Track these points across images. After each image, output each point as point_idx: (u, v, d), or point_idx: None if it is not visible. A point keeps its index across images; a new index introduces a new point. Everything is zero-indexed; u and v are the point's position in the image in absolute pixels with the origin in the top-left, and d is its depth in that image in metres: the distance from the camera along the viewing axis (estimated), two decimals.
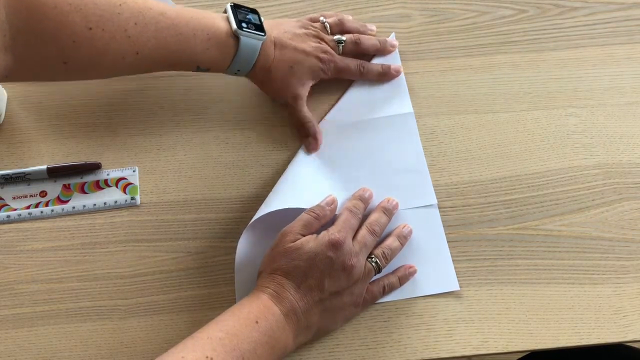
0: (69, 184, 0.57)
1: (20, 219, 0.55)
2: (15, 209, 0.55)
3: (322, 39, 0.60)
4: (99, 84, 0.62)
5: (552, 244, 0.54)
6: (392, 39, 0.64)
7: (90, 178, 0.57)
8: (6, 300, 0.52)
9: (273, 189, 0.55)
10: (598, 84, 0.63)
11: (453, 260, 0.53)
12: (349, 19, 0.64)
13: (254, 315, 0.45)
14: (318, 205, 0.52)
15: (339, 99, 0.62)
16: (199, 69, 0.55)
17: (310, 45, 0.58)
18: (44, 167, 0.56)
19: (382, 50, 0.63)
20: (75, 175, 0.57)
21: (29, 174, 0.56)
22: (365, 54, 0.63)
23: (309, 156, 0.58)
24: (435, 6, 0.67)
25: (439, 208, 0.56)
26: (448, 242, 0.54)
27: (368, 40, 0.62)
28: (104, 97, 0.61)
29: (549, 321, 0.51)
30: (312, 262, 0.47)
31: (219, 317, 0.45)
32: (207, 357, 0.41)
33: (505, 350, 0.50)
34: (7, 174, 0.56)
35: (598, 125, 0.60)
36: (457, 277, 0.53)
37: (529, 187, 0.57)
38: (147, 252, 0.54)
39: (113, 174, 0.57)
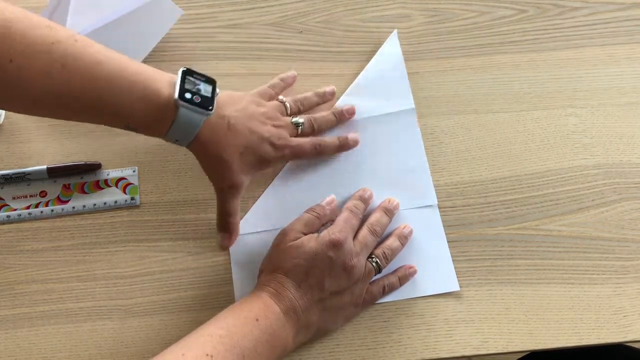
0: (69, 184, 0.57)
1: (20, 219, 0.55)
2: (15, 209, 0.55)
3: (280, 121, 0.54)
4: None
5: (552, 244, 0.54)
6: (348, 106, 0.59)
7: (90, 178, 0.57)
8: (6, 300, 0.52)
9: (271, 184, 0.56)
10: (598, 84, 0.63)
11: (453, 260, 0.54)
12: (307, 95, 0.59)
13: (254, 313, 0.45)
14: (318, 205, 0.53)
15: (338, 98, 0.62)
16: (128, 127, 0.48)
17: (268, 129, 0.52)
18: (44, 167, 0.56)
19: (341, 121, 0.59)
20: (75, 175, 0.57)
21: (29, 174, 0.56)
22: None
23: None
24: (435, 6, 0.67)
25: (439, 208, 0.56)
26: (448, 242, 0.54)
27: (324, 122, 0.58)
28: None
29: (549, 321, 0.51)
30: (313, 262, 0.47)
31: (220, 315, 0.45)
32: (207, 354, 0.41)
33: (505, 351, 0.50)
34: (7, 174, 0.56)
35: (598, 125, 0.61)
36: (457, 277, 0.53)
37: (529, 187, 0.57)
38: (147, 252, 0.54)
39: (113, 174, 0.57)
